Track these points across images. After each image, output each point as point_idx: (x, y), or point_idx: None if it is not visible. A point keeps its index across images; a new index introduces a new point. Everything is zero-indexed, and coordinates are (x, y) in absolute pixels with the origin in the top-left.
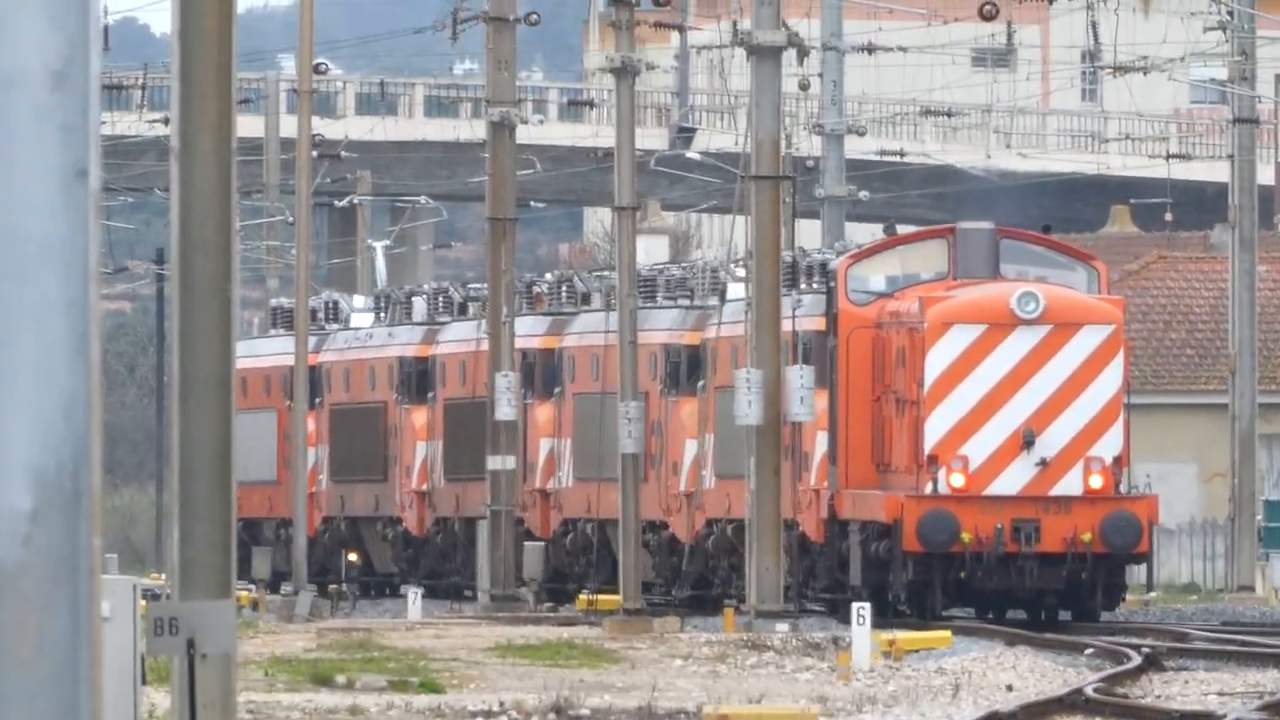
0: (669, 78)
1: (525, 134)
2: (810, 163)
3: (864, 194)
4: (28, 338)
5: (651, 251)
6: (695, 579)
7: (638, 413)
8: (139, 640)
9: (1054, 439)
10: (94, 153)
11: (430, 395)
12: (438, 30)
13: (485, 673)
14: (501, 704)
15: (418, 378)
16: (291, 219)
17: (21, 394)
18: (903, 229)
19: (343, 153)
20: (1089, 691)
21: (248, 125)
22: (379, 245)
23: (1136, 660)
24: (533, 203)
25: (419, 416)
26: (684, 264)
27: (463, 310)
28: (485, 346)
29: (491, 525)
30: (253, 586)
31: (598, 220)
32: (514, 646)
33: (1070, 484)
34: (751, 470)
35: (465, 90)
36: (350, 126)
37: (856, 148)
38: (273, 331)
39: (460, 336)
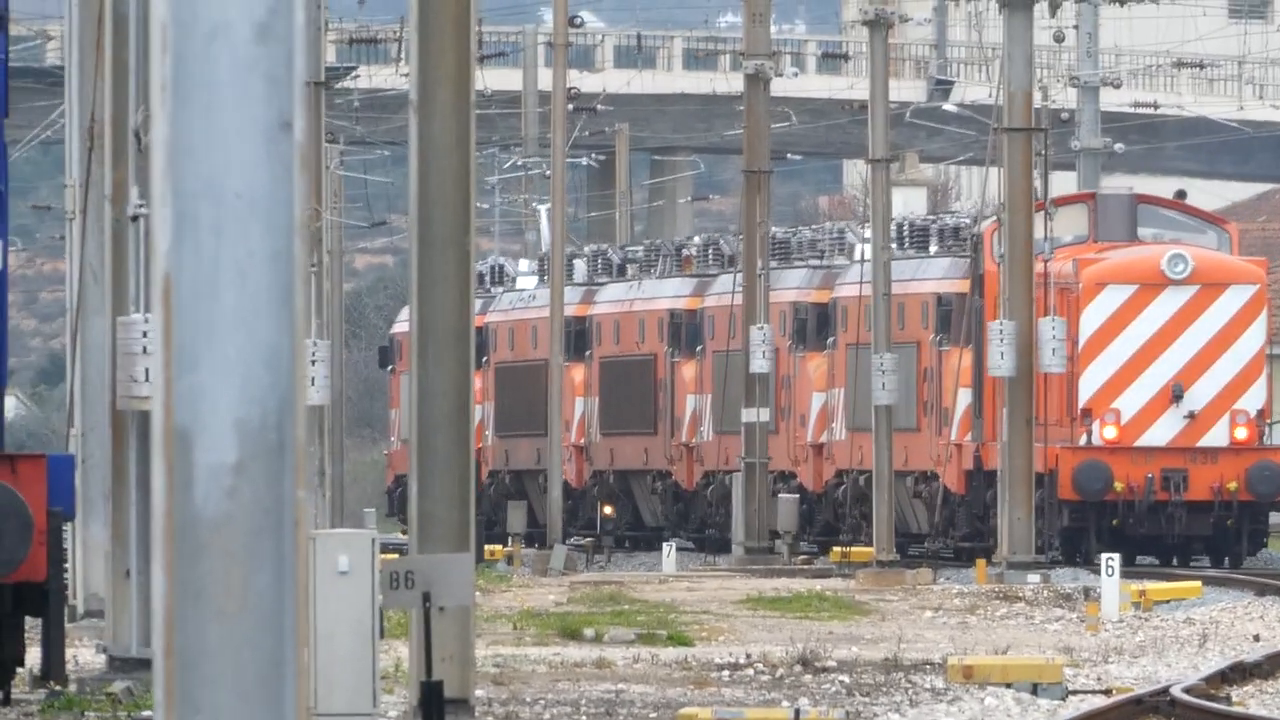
0: (927, 29)
1: (782, 86)
2: (1065, 115)
3: (1119, 146)
4: (231, 290)
5: (910, 203)
6: (823, 526)
7: (892, 364)
8: (376, 594)
9: (1201, 393)
10: (298, 104)
11: (588, 354)
12: None
13: (734, 625)
14: (749, 656)
15: (576, 336)
16: (549, 172)
17: (225, 346)
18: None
19: (600, 106)
20: None
21: (506, 79)
22: (543, 208)
23: None
24: (790, 155)
25: (577, 373)
26: (815, 226)
27: (621, 271)
28: (637, 306)
29: (746, 477)
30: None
31: (857, 173)
32: (765, 599)
33: (1217, 435)
34: (1004, 421)
35: (724, 43)
36: (608, 79)
37: (1111, 100)
38: None
39: (615, 297)
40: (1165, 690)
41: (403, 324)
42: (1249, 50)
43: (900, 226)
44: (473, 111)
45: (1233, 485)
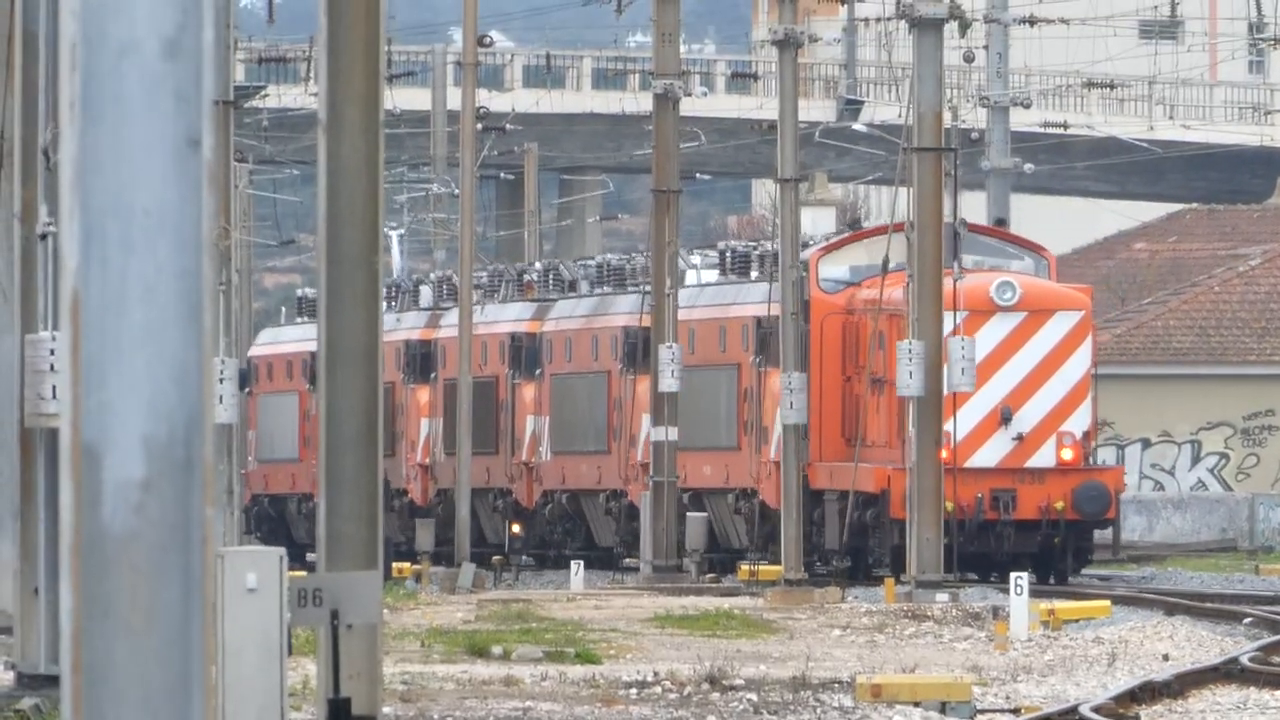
0: (837, 49)
1: (692, 106)
2: (975, 135)
3: (1029, 166)
4: (139, 307)
5: (819, 223)
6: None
7: (800, 383)
8: (285, 611)
9: (1029, 416)
10: (206, 121)
11: (433, 375)
12: (603, 2)
13: (642, 643)
14: (656, 674)
15: (422, 360)
16: (458, 191)
17: (133, 363)
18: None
19: (509, 125)
20: (1244, 661)
21: (415, 98)
22: (394, 233)
23: None
24: (699, 175)
25: (423, 395)
26: (647, 253)
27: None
28: (480, 330)
29: (654, 496)
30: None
31: (766, 193)
32: (673, 617)
33: (1044, 457)
34: (913, 441)
35: (633, 63)
36: (517, 99)
37: (1021, 120)
38: (298, 319)
39: (455, 321)
40: (1074, 709)
41: (260, 347)
42: (1159, 70)
43: (724, 253)
44: (381, 131)
45: (1059, 504)
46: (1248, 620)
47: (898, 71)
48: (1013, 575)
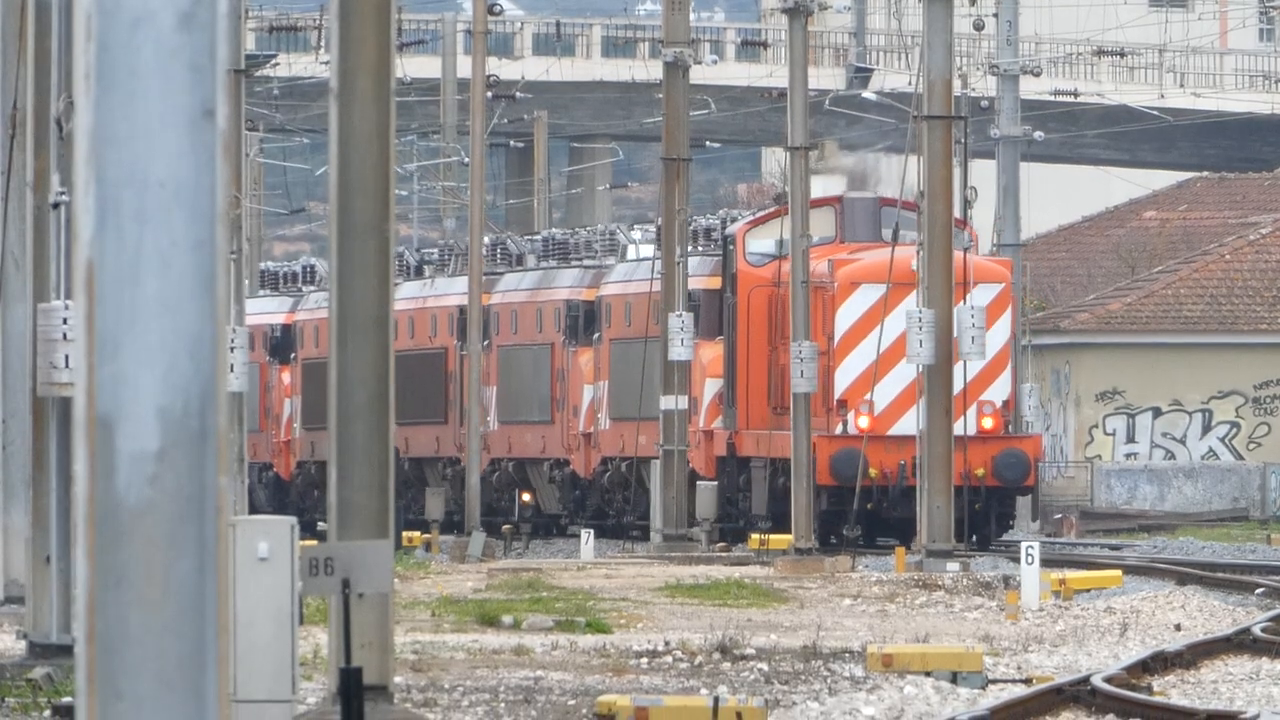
0: (846, 17)
1: (702, 74)
2: (985, 103)
3: (1039, 134)
4: (153, 278)
5: (829, 191)
6: (595, 511)
7: (811, 352)
8: (296, 580)
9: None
10: (221, 92)
11: None
12: None
13: (653, 613)
14: (667, 643)
15: None
16: (467, 159)
17: (147, 334)
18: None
19: (519, 93)
20: (1256, 631)
21: (425, 66)
22: None
23: None
24: (709, 142)
25: None
26: (589, 228)
27: (418, 272)
28: (433, 303)
29: (664, 465)
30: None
31: (776, 161)
32: (683, 586)
33: (965, 425)
34: (922, 410)
35: (643, 30)
36: (527, 67)
37: (1031, 88)
38: (261, 292)
39: (411, 295)
40: (1086, 679)
41: None
42: (1170, 39)
43: (659, 229)
44: (393, 100)
45: (980, 471)
46: (1260, 590)
47: (908, 39)
48: (1024, 544)
